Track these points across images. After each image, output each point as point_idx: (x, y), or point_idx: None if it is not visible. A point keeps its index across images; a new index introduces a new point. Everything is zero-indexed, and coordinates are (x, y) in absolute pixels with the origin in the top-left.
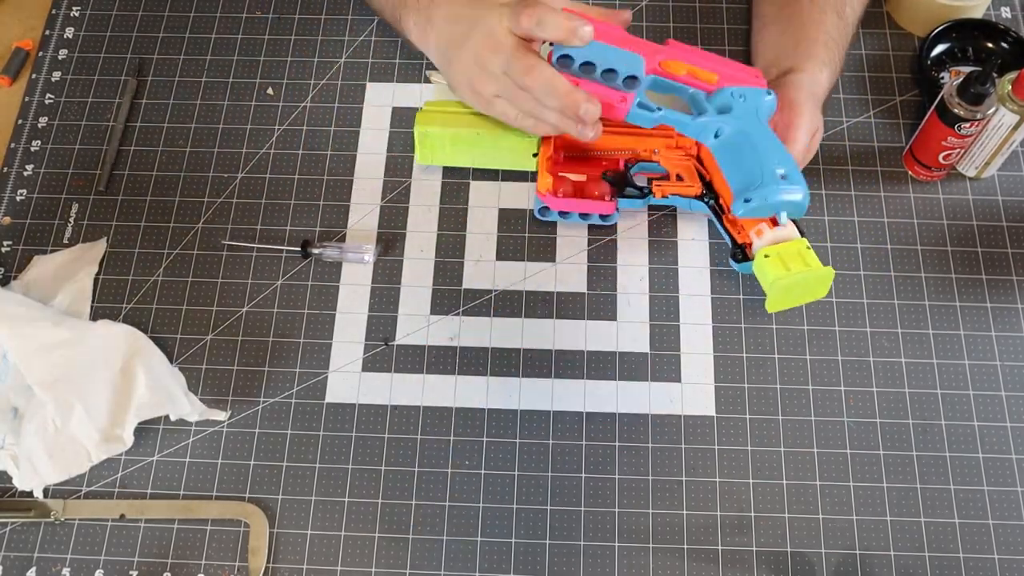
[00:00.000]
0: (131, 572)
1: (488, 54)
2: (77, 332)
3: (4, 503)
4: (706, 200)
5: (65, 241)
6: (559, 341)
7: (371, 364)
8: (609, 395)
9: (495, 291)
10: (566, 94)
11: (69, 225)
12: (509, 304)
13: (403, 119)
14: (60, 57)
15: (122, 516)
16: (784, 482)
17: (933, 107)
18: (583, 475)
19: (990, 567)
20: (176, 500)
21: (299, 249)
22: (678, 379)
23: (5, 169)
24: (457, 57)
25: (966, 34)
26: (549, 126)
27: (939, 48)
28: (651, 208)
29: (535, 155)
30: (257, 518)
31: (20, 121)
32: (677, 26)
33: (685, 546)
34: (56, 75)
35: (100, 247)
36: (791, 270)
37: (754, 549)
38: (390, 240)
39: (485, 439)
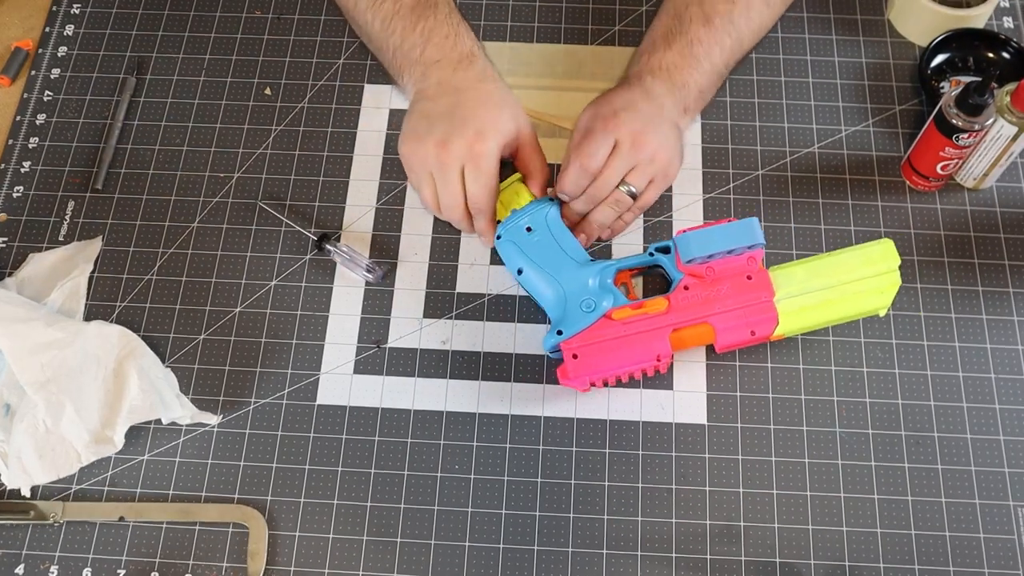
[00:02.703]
0: (119, 571)
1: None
2: (70, 332)
3: (3, 505)
4: None
5: (61, 238)
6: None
7: (363, 366)
8: (600, 402)
9: (488, 295)
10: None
11: (65, 222)
12: (502, 309)
13: (400, 121)
14: (59, 55)
15: (121, 519)
16: (774, 492)
17: (931, 117)
18: (572, 481)
19: None
20: (174, 503)
21: (316, 239)
22: (670, 387)
23: (2, 166)
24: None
25: (967, 44)
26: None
27: (940, 57)
28: (645, 216)
29: None
30: (256, 521)
31: (18, 118)
32: None
33: (674, 554)
34: (55, 72)
35: (95, 246)
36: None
37: (743, 559)
38: (384, 243)
39: (475, 444)
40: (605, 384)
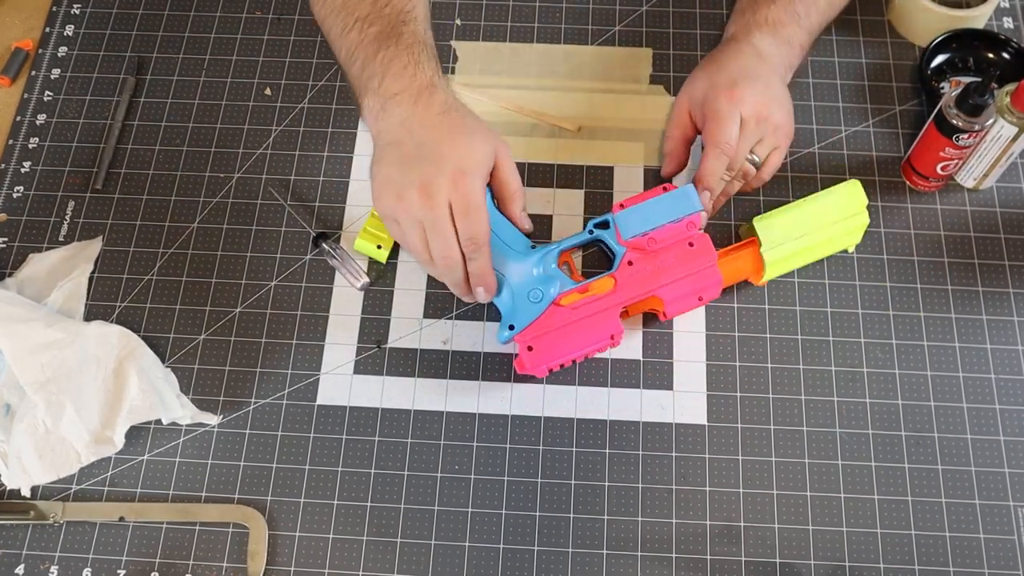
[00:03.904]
0: (119, 571)
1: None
2: (70, 333)
3: (3, 505)
4: None
5: (61, 239)
6: None
7: (363, 367)
8: (600, 402)
9: None
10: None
11: (65, 222)
12: None
13: None
14: (60, 55)
15: (121, 519)
16: (775, 492)
17: (931, 117)
18: (573, 482)
19: None
20: (174, 503)
21: (313, 235)
22: (670, 387)
23: (3, 166)
24: (393, 172)
25: (967, 44)
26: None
27: (940, 58)
28: None
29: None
30: (257, 522)
31: (18, 118)
32: (676, 31)
33: (674, 555)
34: (55, 72)
35: (95, 246)
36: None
37: (743, 559)
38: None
39: (475, 444)
40: (561, 366)
